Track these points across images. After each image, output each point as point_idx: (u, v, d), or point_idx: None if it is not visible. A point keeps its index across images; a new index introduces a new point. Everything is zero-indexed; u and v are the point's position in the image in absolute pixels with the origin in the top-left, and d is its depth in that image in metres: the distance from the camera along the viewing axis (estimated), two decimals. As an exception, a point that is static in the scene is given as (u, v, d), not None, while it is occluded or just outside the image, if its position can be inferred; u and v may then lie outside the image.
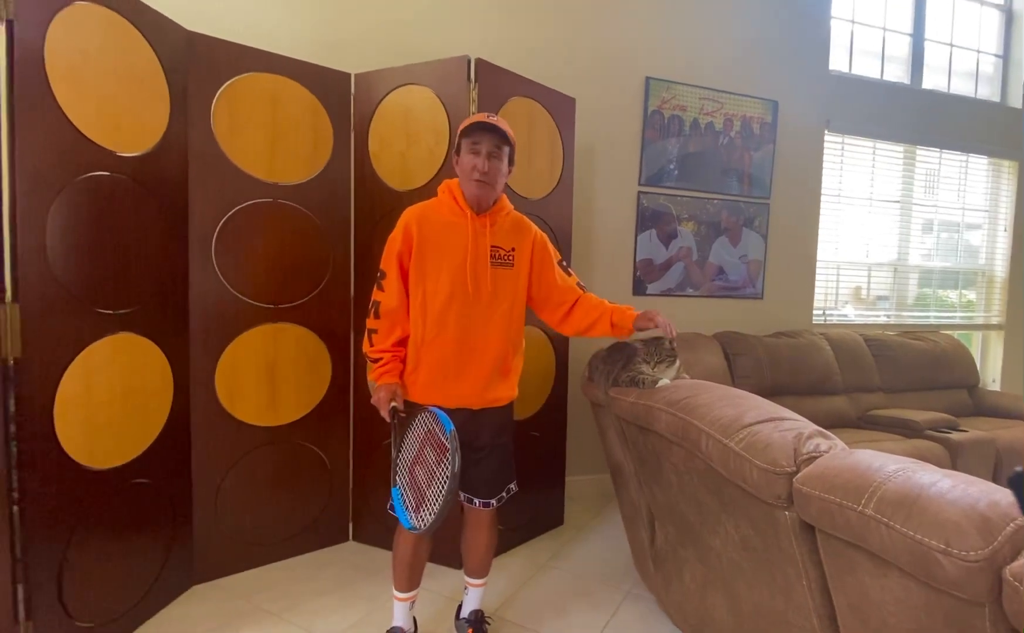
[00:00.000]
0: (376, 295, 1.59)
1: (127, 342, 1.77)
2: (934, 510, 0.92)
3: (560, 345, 2.60)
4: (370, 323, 1.60)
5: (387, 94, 2.31)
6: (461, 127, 1.55)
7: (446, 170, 2.21)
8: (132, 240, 1.77)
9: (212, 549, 2.15)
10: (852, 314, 3.88)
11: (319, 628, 1.87)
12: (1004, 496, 0.92)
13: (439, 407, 1.45)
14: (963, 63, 4.09)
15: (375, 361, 1.58)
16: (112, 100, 1.69)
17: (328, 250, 2.32)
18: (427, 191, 2.19)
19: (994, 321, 4.28)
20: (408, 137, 2.28)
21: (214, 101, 2.05)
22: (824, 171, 3.62)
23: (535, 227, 1.70)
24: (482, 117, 1.54)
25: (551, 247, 1.73)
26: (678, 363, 1.76)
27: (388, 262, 1.57)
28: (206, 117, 2.03)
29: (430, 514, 1.31)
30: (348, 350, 2.39)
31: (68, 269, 1.59)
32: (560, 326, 1.75)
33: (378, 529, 2.42)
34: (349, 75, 2.34)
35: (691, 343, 2.89)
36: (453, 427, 1.33)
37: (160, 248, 1.89)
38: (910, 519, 0.94)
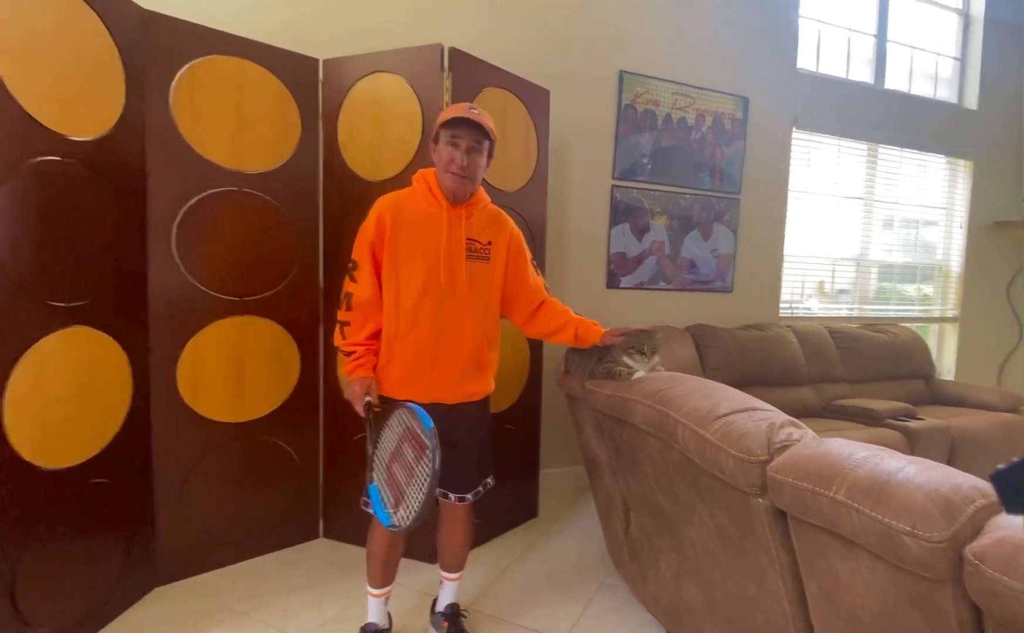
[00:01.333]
0: (348, 286, 1.55)
1: (81, 336, 1.70)
2: (901, 495, 0.95)
3: (535, 339, 2.60)
4: (342, 315, 1.56)
5: (357, 81, 2.25)
6: (442, 118, 1.51)
7: (419, 160, 2.17)
8: (86, 229, 1.69)
9: (176, 549, 2.08)
10: (816, 307, 3.96)
11: (291, 626, 1.83)
12: (965, 479, 0.95)
13: (415, 402, 1.43)
14: (923, 65, 4.21)
15: (348, 354, 1.54)
16: (64, 81, 1.60)
17: (296, 241, 2.27)
18: (399, 181, 2.14)
19: (949, 314, 4.44)
20: (379, 126, 2.23)
21: (173, 84, 1.96)
22: (792, 167, 3.68)
23: (512, 222, 1.68)
24: (463, 110, 1.50)
25: (525, 245, 1.72)
26: (656, 357, 1.77)
27: (360, 252, 1.53)
28: (165, 101, 1.95)
29: (410, 512, 1.28)
30: (317, 344, 2.35)
31: (16, 259, 1.50)
32: (525, 326, 1.75)
33: (350, 525, 2.38)
34: (317, 61, 2.28)
35: (664, 336, 2.94)
36: (432, 424, 1.30)
37: (116, 237, 1.81)
38: (879, 504, 0.97)
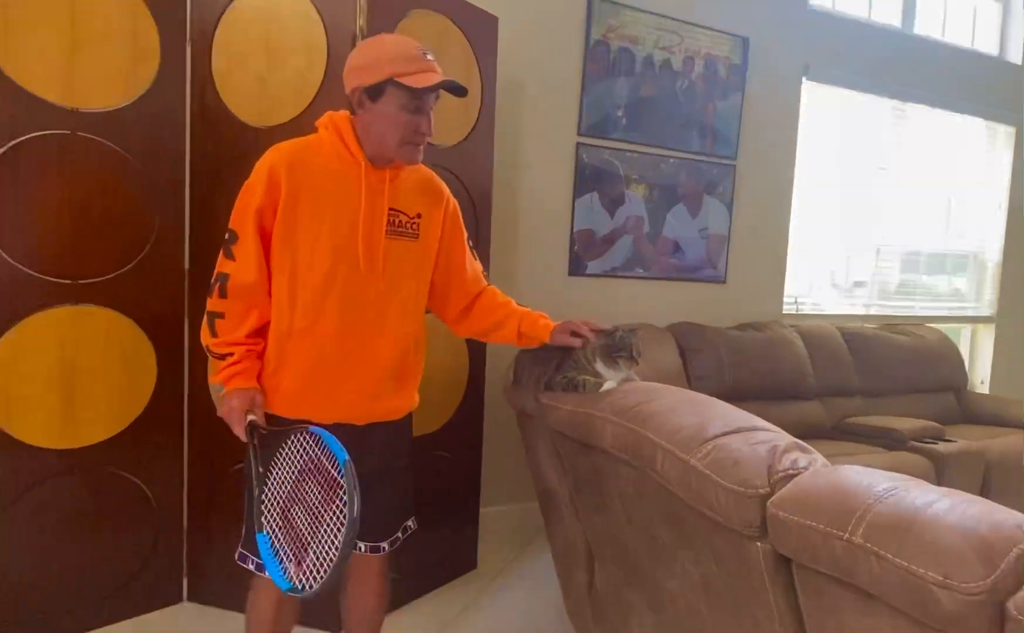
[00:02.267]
0: (223, 265, 1.49)
1: None
2: (931, 536, 0.97)
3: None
4: (213, 304, 1.49)
5: (239, -5, 2.19)
6: (401, 74, 1.44)
7: (322, 102, 2.10)
8: None
9: (-21, 622, 1.99)
10: (827, 303, 4.13)
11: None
12: (1008, 517, 0.98)
13: (319, 425, 1.37)
14: (960, 8, 4.38)
15: (221, 357, 1.49)
16: None
17: (152, 205, 2.19)
18: (295, 129, 1.98)
19: (984, 313, 4.70)
20: (269, 55, 2.17)
21: (-21, -14, 1.87)
22: (800, 128, 3.77)
23: (448, 191, 1.70)
24: (429, 67, 1.48)
25: (462, 222, 1.75)
26: (631, 364, 1.80)
27: (242, 220, 1.48)
28: (-34, 9, 1.85)
29: (319, 573, 1.23)
30: (181, 344, 2.29)
31: None
32: (457, 324, 1.78)
33: (224, 584, 2.32)
34: (185, -36, 2.22)
35: (641, 337, 2.98)
36: (348, 457, 1.25)
37: None
38: (904, 548, 0.99)
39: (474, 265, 1.78)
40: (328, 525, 1.26)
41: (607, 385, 1.76)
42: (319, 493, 1.30)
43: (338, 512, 1.25)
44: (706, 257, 3.58)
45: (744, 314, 3.65)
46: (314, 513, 1.30)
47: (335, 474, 1.27)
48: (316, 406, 1.50)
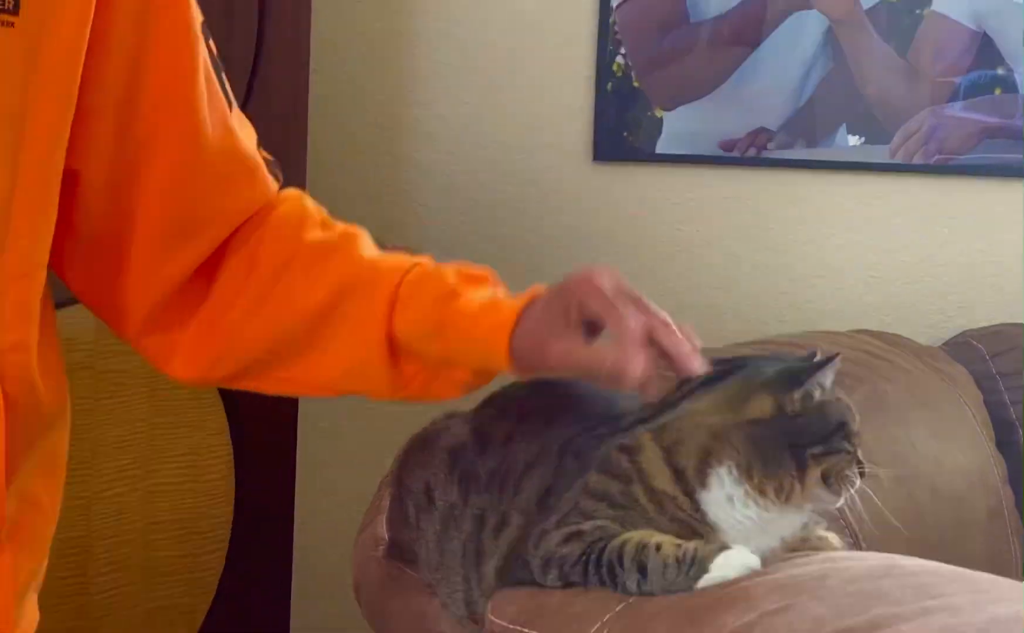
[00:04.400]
0: None
1: None
2: None
3: (252, 400, 1.25)
4: None
5: None
6: None
7: None
8: None
9: None
10: None
11: None
12: None
13: None
14: None
15: None
16: None
17: None
18: None
19: None
20: None
21: None
22: None
23: None
24: None
25: None
26: (842, 492, 0.74)
27: None
28: None
29: None
30: None
31: None
32: (161, 326, 0.83)
33: None
34: None
35: (850, 372, 1.75)
36: None
37: None
38: None
39: (230, 130, 0.78)
40: None
41: (728, 564, 0.64)
42: None
43: None
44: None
45: None
46: None
47: None
48: None
